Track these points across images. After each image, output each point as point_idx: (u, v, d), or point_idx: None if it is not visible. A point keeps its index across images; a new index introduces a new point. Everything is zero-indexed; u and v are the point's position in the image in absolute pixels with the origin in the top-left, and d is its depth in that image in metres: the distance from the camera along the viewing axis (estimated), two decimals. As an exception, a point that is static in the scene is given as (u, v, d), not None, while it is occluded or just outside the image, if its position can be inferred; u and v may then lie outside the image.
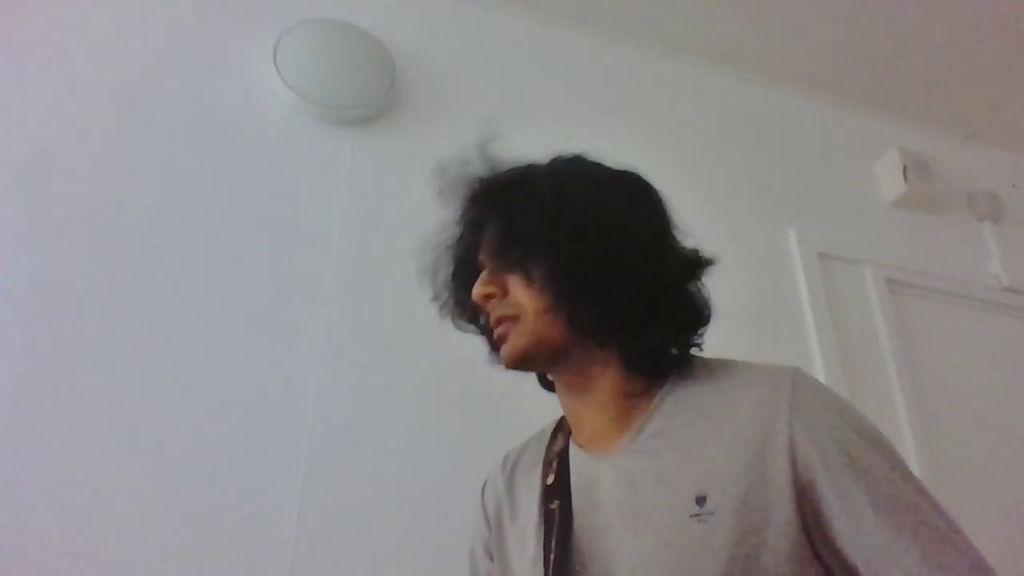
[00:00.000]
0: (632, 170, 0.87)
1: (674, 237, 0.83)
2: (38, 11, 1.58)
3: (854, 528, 0.66)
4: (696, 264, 0.82)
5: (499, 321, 0.82)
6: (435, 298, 0.93)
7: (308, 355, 1.43)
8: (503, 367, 0.84)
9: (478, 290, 0.83)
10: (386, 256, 1.57)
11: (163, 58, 1.63)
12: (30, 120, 1.47)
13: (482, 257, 0.86)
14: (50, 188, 1.42)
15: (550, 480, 0.82)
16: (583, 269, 0.77)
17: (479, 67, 1.92)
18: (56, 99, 1.51)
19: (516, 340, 0.81)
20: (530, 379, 0.97)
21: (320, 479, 1.34)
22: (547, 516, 0.79)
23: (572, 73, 2.02)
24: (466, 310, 0.90)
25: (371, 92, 1.70)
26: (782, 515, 0.68)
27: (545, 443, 0.90)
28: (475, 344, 0.92)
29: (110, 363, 1.32)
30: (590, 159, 0.88)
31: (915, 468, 1.60)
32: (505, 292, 0.82)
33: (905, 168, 2.15)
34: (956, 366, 1.97)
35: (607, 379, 0.81)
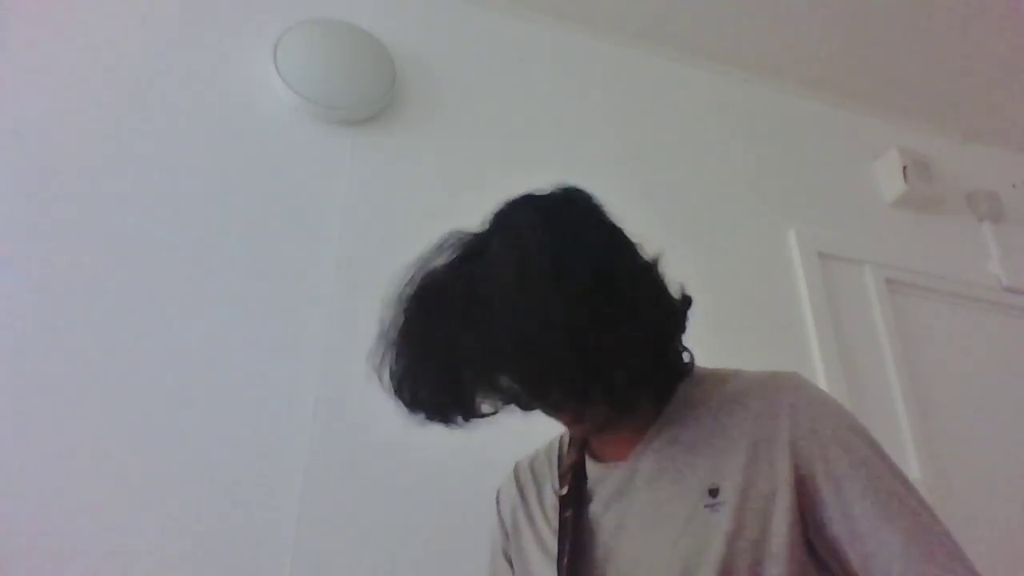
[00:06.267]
0: (579, 197, 0.82)
1: (657, 272, 0.82)
2: (38, 11, 1.58)
3: (846, 515, 0.72)
4: (683, 307, 0.83)
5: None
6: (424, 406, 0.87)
7: (308, 355, 1.43)
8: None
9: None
10: (386, 256, 1.57)
11: (163, 58, 1.63)
12: (30, 120, 1.47)
13: (507, 386, 0.76)
14: (49, 187, 1.42)
15: (564, 491, 0.87)
16: (616, 382, 0.74)
17: (479, 67, 1.92)
18: (55, 99, 1.51)
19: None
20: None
21: (320, 479, 1.34)
22: (562, 524, 0.84)
23: (572, 73, 2.02)
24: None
25: (371, 92, 1.70)
26: (784, 504, 0.74)
27: (555, 454, 0.96)
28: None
29: (108, 362, 1.32)
30: (548, 223, 0.78)
31: (915, 468, 1.61)
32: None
33: (905, 168, 2.15)
34: (956, 366, 1.96)
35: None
